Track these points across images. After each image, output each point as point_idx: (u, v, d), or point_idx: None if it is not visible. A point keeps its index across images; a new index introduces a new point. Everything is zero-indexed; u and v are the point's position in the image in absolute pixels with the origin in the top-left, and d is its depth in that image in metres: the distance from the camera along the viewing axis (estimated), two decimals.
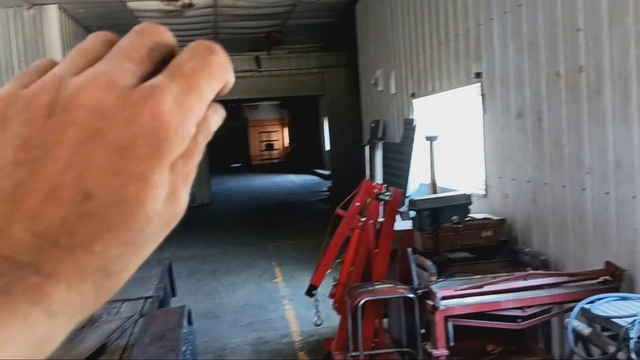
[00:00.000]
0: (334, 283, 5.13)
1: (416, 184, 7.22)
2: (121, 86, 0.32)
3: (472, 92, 5.98)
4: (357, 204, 5.13)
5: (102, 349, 3.71)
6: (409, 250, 4.31)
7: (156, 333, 3.48)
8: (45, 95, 0.32)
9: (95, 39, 0.37)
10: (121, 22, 11.70)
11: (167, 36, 0.36)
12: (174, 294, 5.59)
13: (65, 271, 0.31)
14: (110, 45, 0.36)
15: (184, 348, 3.32)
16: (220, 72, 0.36)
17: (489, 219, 5.05)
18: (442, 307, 3.58)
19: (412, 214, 4.78)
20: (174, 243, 11.79)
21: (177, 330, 3.50)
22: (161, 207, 0.33)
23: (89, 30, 11.81)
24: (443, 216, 4.60)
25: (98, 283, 0.32)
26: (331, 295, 5.14)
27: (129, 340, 3.85)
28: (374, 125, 9.45)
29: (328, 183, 19.30)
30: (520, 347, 4.67)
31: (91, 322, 4.24)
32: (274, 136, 34.89)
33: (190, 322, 4.25)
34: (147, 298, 4.87)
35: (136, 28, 0.36)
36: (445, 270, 4.53)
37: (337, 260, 5.20)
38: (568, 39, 4.35)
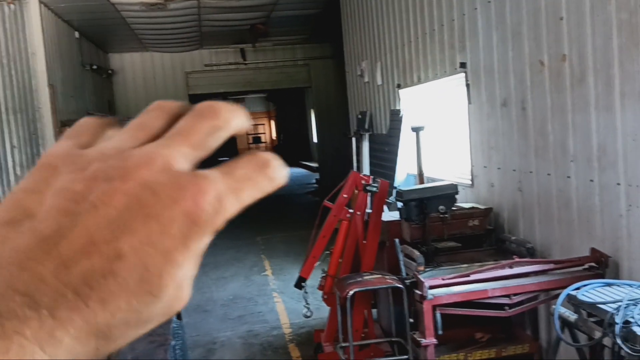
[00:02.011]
0: (323, 275, 5.15)
1: (403, 174, 7.24)
2: (175, 169, 0.35)
3: (457, 82, 5.99)
4: (345, 195, 5.13)
5: None
6: (397, 240, 4.33)
7: None
8: (104, 164, 0.36)
9: (156, 112, 0.40)
10: (104, 17, 11.58)
11: (227, 118, 0.39)
12: None
13: (78, 321, 0.33)
14: (171, 117, 0.39)
15: (173, 343, 3.31)
16: (265, 185, 0.39)
17: (476, 208, 5.08)
18: (430, 297, 3.60)
19: (400, 204, 4.80)
20: None
21: (166, 325, 3.49)
22: (173, 290, 0.35)
23: (70, 24, 11.67)
24: (430, 206, 4.62)
25: (99, 343, 0.34)
26: (320, 287, 5.15)
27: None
28: (360, 116, 9.46)
29: (316, 175, 19.31)
30: (508, 334, 4.71)
31: None
32: (260, 129, 34.80)
33: (179, 317, 4.23)
34: None
35: (199, 108, 0.39)
36: (433, 259, 4.56)
37: (326, 252, 5.21)
38: (551, 28, 4.37)
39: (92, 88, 13.44)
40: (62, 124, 10.44)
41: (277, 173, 0.39)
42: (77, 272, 0.33)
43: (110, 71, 15.68)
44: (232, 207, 0.37)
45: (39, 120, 9.98)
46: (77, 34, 12.14)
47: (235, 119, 0.40)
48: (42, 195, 0.35)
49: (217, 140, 0.39)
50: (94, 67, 13.35)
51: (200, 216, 0.35)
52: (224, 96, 29.34)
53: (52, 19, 10.63)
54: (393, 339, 4.80)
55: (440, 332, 3.66)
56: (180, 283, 0.35)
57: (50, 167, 0.37)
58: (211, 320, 6.51)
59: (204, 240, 0.36)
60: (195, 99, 17.93)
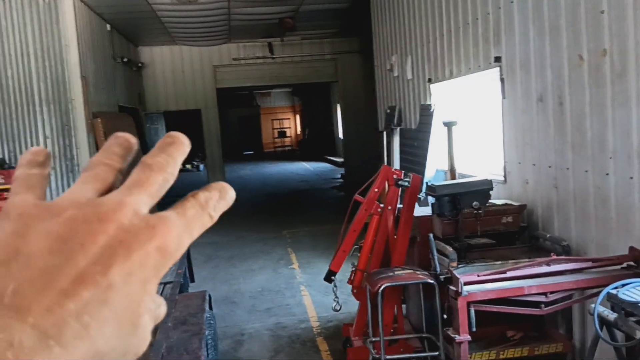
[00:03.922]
0: (353, 269, 5.13)
1: (433, 170, 7.17)
2: (141, 213, 0.43)
3: (491, 77, 5.91)
4: (376, 190, 5.10)
5: None
6: (431, 235, 4.28)
7: (178, 318, 3.49)
8: (79, 210, 0.42)
9: (106, 164, 0.47)
10: (135, 9, 11.68)
11: (173, 172, 0.47)
12: (192, 279, 5.61)
13: (82, 348, 0.37)
14: (120, 164, 0.47)
15: (206, 332, 3.33)
16: (208, 221, 0.46)
17: (509, 204, 5.01)
18: (465, 293, 3.56)
19: (432, 199, 4.75)
20: None
21: (200, 314, 3.51)
22: (145, 323, 0.41)
23: (102, 17, 11.80)
24: (463, 202, 4.57)
25: None
26: (350, 281, 5.13)
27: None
28: (389, 111, 9.39)
29: (341, 170, 19.27)
30: (541, 333, 4.64)
31: None
32: (286, 123, 34.84)
33: (210, 307, 4.26)
34: (165, 283, 4.89)
35: (147, 161, 0.46)
36: (465, 256, 4.51)
37: (356, 247, 5.19)
38: (591, 22, 4.27)
39: (123, 81, 13.59)
40: (94, 116, 10.59)
41: (216, 211, 0.47)
42: (78, 301, 0.37)
43: (140, 64, 15.83)
44: (187, 241, 0.44)
45: (72, 112, 10.12)
46: (108, 27, 12.28)
47: (175, 170, 0.47)
48: (26, 237, 0.40)
49: (166, 188, 0.46)
50: (125, 60, 13.49)
51: (168, 250, 0.42)
52: (250, 90, 29.46)
53: (85, 12, 10.76)
54: (423, 335, 4.77)
55: (474, 329, 3.62)
56: (147, 323, 0.41)
57: (25, 214, 0.42)
58: (239, 312, 6.54)
59: (167, 270, 0.42)
60: (223, 92, 18.02)
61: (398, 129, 8.33)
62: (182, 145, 0.48)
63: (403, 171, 5.27)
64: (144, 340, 0.41)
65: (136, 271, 0.40)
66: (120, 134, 0.49)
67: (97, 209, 0.42)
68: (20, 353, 0.35)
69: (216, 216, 0.47)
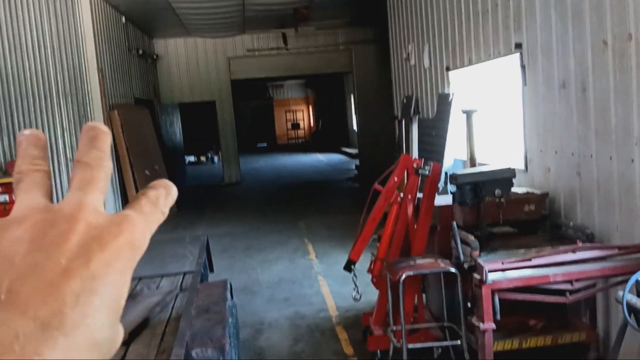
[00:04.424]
0: (373, 258, 5.10)
1: (451, 159, 7.11)
2: (101, 211, 0.46)
3: (511, 64, 5.83)
4: (396, 179, 5.06)
5: (145, 322, 3.74)
6: (455, 223, 4.24)
7: (201, 306, 3.49)
8: (42, 215, 0.44)
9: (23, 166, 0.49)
10: (149, 1, 11.68)
11: (109, 164, 0.49)
12: (211, 269, 5.62)
13: (81, 336, 0.39)
14: (43, 151, 0.50)
15: (229, 320, 3.33)
16: (160, 217, 0.49)
17: (532, 193, 4.95)
18: (489, 281, 3.52)
19: (453, 188, 4.70)
20: (205, 221, 11.89)
21: (222, 303, 3.51)
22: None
23: (118, 10, 11.82)
24: (485, 190, 4.52)
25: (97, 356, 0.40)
26: (369, 270, 5.11)
27: (171, 313, 3.87)
28: (405, 101, 9.33)
29: (355, 161, 19.22)
30: (563, 322, 4.59)
31: (132, 297, 4.28)
32: (299, 115, 34.80)
33: (231, 296, 4.27)
34: (186, 273, 4.91)
35: (84, 159, 0.48)
36: (487, 245, 4.46)
37: (375, 236, 5.16)
38: (616, 6, 4.19)
39: (138, 73, 13.62)
40: (111, 107, 10.63)
41: (165, 207, 0.50)
42: (70, 293, 0.39)
43: (155, 56, 15.87)
44: (149, 236, 0.47)
45: (89, 104, 10.17)
46: (123, 19, 12.30)
47: (109, 163, 0.49)
48: (3, 246, 0.41)
49: (108, 182, 0.49)
50: (140, 52, 13.52)
51: (136, 245, 0.45)
52: (263, 82, 29.43)
53: (101, 4, 10.78)
54: (444, 324, 4.74)
55: (498, 317, 3.58)
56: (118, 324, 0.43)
57: None
58: (258, 302, 6.55)
59: (136, 264, 0.45)
60: (237, 84, 18.02)
61: (417, 117, 8.27)
62: (106, 136, 0.49)
63: (423, 160, 5.22)
64: (122, 331, 0.44)
65: (113, 263, 0.42)
66: (26, 131, 0.50)
67: (60, 212, 0.44)
68: (26, 344, 0.37)
69: (166, 212, 0.50)
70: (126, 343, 3.43)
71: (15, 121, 9.97)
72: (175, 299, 4.15)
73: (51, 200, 0.48)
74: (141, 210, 0.48)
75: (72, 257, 0.41)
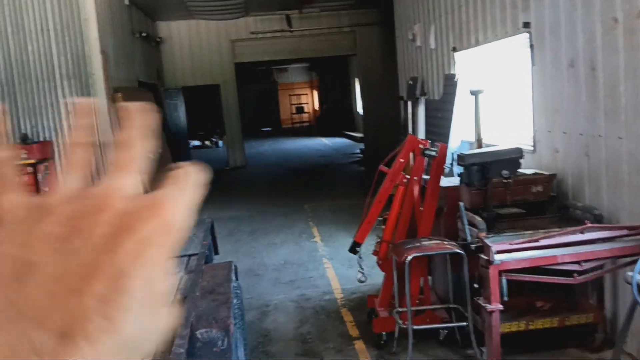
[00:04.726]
0: (378, 240, 5.07)
1: (457, 140, 7.05)
2: (133, 195, 0.43)
3: (519, 43, 5.75)
4: (402, 160, 5.01)
5: None
6: (462, 204, 4.20)
7: (206, 287, 3.47)
8: (72, 205, 0.42)
9: (80, 143, 0.47)
10: None
11: (146, 142, 0.46)
12: (216, 252, 5.60)
13: (108, 340, 0.37)
14: (89, 117, 0.47)
15: (234, 301, 3.31)
16: (195, 196, 0.46)
17: (539, 173, 4.90)
18: (496, 262, 3.49)
19: (460, 169, 4.66)
20: (210, 205, 11.88)
21: (227, 284, 3.49)
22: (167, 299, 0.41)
23: None
24: (493, 171, 4.48)
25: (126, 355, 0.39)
26: (375, 252, 5.08)
27: (176, 295, 3.86)
28: (411, 82, 9.24)
29: (360, 145, 19.15)
30: (571, 303, 4.57)
31: None
32: (303, 99, 34.66)
33: (236, 278, 4.25)
34: (191, 255, 4.89)
35: (119, 140, 0.45)
36: (494, 226, 4.42)
37: (380, 218, 5.13)
38: None
39: (142, 56, 13.54)
40: (114, 91, 10.58)
41: (195, 187, 0.47)
42: (95, 296, 0.37)
43: (158, 39, 15.77)
44: (183, 216, 0.43)
45: (92, 87, 10.12)
46: (126, 1, 12.21)
47: (146, 140, 0.46)
48: (29, 245, 0.40)
49: (147, 160, 0.46)
50: (143, 35, 13.43)
51: (169, 226, 0.41)
52: (267, 66, 29.28)
53: None
54: (450, 306, 4.72)
55: (505, 298, 3.55)
56: (168, 300, 0.41)
57: (18, 220, 0.41)
58: (263, 284, 6.55)
59: (174, 246, 0.41)
60: (241, 68, 17.91)
61: (423, 98, 8.20)
62: (139, 114, 0.47)
63: (429, 141, 5.17)
64: (172, 316, 0.42)
65: (144, 251, 0.40)
66: (77, 101, 0.48)
67: (89, 200, 0.42)
68: (45, 355, 0.36)
69: (197, 193, 0.47)
70: None
71: (18, 104, 9.95)
72: (181, 281, 4.13)
73: (91, 177, 0.46)
74: (175, 187, 0.46)
75: (98, 253, 0.39)
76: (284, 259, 7.52)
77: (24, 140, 9.74)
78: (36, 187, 9.24)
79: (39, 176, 9.33)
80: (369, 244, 5.15)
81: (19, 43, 9.80)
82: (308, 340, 5.00)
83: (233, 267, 3.94)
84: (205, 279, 3.67)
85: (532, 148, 5.55)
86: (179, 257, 4.84)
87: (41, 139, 9.89)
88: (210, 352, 2.68)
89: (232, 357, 2.71)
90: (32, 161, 9.26)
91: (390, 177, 5.04)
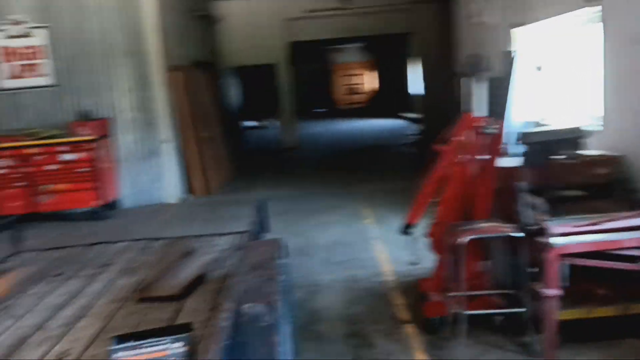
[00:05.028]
0: (432, 222, 4.92)
1: (516, 119, 6.74)
2: None
3: (585, 18, 5.41)
4: (457, 138, 4.82)
5: (200, 279, 3.73)
6: (521, 184, 3.99)
7: (253, 264, 3.43)
8: None
9: None
10: None
11: None
12: (267, 230, 5.56)
13: None
14: None
15: (281, 278, 3.25)
16: None
17: (606, 154, 4.61)
18: (556, 245, 3.29)
19: (520, 148, 4.43)
20: (263, 184, 11.94)
21: (274, 261, 3.43)
22: None
23: None
24: (554, 150, 4.24)
25: None
26: (428, 234, 4.93)
27: (225, 271, 3.85)
28: (469, 60, 8.95)
29: (416, 126, 18.82)
30: (634, 291, 4.30)
31: (189, 254, 4.28)
32: (358, 80, 34.34)
33: (286, 255, 4.19)
34: (241, 232, 4.87)
35: None
36: (555, 208, 4.19)
37: (434, 199, 4.96)
38: None
39: (198, 35, 13.64)
40: (171, 69, 10.69)
41: None
42: None
43: (215, 18, 15.85)
44: None
45: (149, 65, 10.26)
46: None
47: None
48: None
49: None
50: (200, 14, 13.51)
51: None
52: (321, 46, 29.09)
53: None
54: (507, 291, 4.53)
55: (566, 283, 3.36)
56: None
57: None
58: (313, 264, 6.50)
59: None
60: (297, 48, 17.83)
61: (481, 76, 7.91)
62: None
63: (486, 119, 4.95)
64: None
65: None
66: None
67: None
68: None
69: None
70: (181, 298, 3.43)
71: (79, 81, 10.20)
72: (230, 257, 4.12)
73: None
74: None
75: None
76: (334, 239, 7.45)
77: (87, 117, 10.00)
78: (95, 163, 9.48)
79: (98, 152, 9.56)
80: (422, 226, 5.00)
81: (79, 21, 10.02)
82: (356, 322, 4.92)
83: (281, 244, 3.88)
84: (253, 256, 3.63)
85: (599, 128, 5.25)
86: (229, 235, 4.84)
87: (100, 117, 10.13)
88: (254, 328, 2.63)
89: (277, 334, 2.65)
90: (92, 137, 9.49)
91: (445, 157, 4.87)
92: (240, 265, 3.35)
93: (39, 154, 9.40)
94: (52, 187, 9.44)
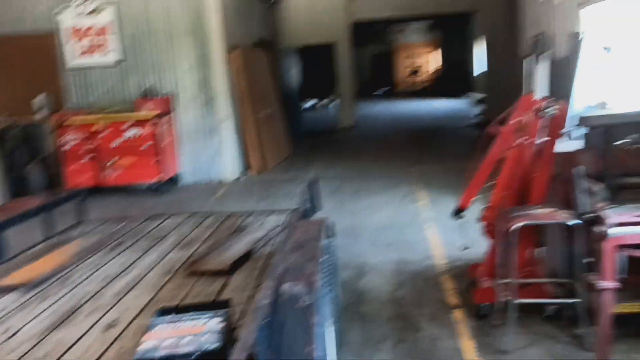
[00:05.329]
0: (485, 206, 4.77)
1: (580, 101, 6.44)
2: None
3: None
4: (515, 120, 4.64)
5: (247, 256, 3.76)
6: (579, 169, 3.80)
7: (296, 242, 3.42)
8: None
9: None
10: None
11: None
12: (317, 209, 5.55)
13: None
14: None
15: (323, 258, 3.23)
16: None
17: None
18: (614, 235, 3.12)
19: (581, 132, 4.22)
20: (317, 163, 11.95)
21: (317, 240, 3.42)
22: None
23: None
24: (618, 135, 4.00)
25: None
26: (481, 219, 4.79)
27: (273, 248, 3.86)
28: (534, 40, 8.59)
29: (478, 108, 18.34)
30: None
31: (239, 230, 4.33)
32: (420, 60, 33.71)
33: (331, 235, 4.17)
34: (291, 210, 4.88)
35: None
36: (616, 196, 3.97)
37: (489, 183, 4.81)
38: None
39: (259, 15, 13.69)
40: (231, 48, 10.79)
41: None
42: None
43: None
44: None
45: (210, 43, 10.38)
46: None
47: None
48: None
49: None
50: None
51: None
52: (384, 25, 28.67)
53: None
54: (561, 281, 4.35)
55: (623, 275, 3.19)
56: None
57: None
58: (362, 244, 6.46)
59: None
60: (357, 28, 17.63)
61: (545, 56, 7.59)
62: None
63: (548, 100, 4.73)
64: None
65: None
66: None
67: None
68: None
69: None
70: (228, 274, 3.47)
71: (143, 59, 10.44)
72: (278, 235, 4.14)
73: None
74: None
75: None
76: (385, 221, 7.38)
77: (152, 92, 10.26)
78: (158, 139, 9.73)
79: (161, 129, 9.81)
80: (476, 210, 4.86)
81: (143, 0, 10.21)
82: (403, 304, 4.85)
83: (327, 224, 3.86)
84: (298, 234, 3.63)
85: None
86: (279, 212, 4.86)
87: (163, 94, 10.37)
88: (292, 308, 2.62)
89: (316, 314, 2.63)
90: (156, 113, 9.74)
91: (502, 139, 4.69)
92: (284, 243, 3.35)
93: (106, 129, 9.73)
94: (117, 161, 9.77)
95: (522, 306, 4.17)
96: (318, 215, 5.33)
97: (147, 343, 2.32)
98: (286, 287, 2.69)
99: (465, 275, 5.18)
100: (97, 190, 9.70)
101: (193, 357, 2.21)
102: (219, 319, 2.50)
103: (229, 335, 2.43)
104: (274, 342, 2.57)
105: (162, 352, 2.23)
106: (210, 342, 2.29)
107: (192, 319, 2.51)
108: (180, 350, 2.24)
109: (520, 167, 4.57)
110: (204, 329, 2.40)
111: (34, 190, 10.12)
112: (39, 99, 10.85)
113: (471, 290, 4.76)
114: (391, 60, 33.19)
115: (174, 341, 2.31)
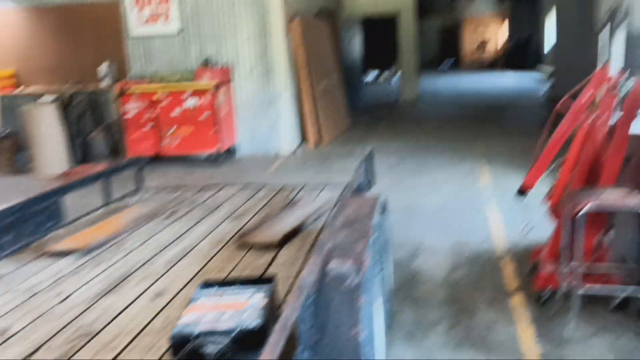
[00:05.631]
0: (552, 186, 4.49)
1: None
2: None
3: None
4: (587, 96, 4.32)
5: (298, 230, 3.69)
6: None
7: (348, 219, 3.30)
8: None
9: None
10: None
11: None
12: (372, 184, 5.41)
13: None
14: None
15: (374, 236, 3.10)
16: None
17: None
18: None
19: None
20: (377, 137, 11.74)
21: (368, 218, 3.28)
22: None
23: None
24: None
25: None
26: (546, 199, 4.52)
27: (324, 224, 3.77)
28: (611, 11, 8.02)
29: (548, 82, 17.56)
30: None
31: (291, 204, 4.26)
32: (488, 33, 32.54)
33: (385, 212, 4.03)
34: (344, 186, 4.77)
35: None
36: None
37: (556, 162, 4.52)
38: None
39: None
40: (291, 18, 10.65)
41: None
42: None
43: None
44: None
45: (270, 13, 10.27)
46: None
47: None
48: None
49: None
50: None
51: None
52: None
53: None
54: (630, 268, 4.06)
55: None
56: None
57: None
58: (418, 223, 6.26)
59: None
60: None
61: (622, 28, 7.07)
62: None
63: (623, 75, 4.37)
64: None
65: None
66: None
67: None
68: None
69: None
70: (278, 248, 3.42)
71: (203, 29, 10.46)
72: (330, 210, 4.04)
73: None
74: None
75: None
76: (444, 199, 7.14)
77: (208, 64, 10.29)
78: (216, 109, 9.77)
79: (220, 99, 9.84)
80: (542, 190, 4.60)
81: None
82: (458, 287, 4.67)
83: (380, 202, 3.71)
84: (350, 210, 3.50)
85: None
86: (332, 187, 4.75)
87: (222, 64, 10.38)
88: (339, 287, 2.51)
89: (363, 295, 2.51)
90: (215, 82, 9.77)
91: (572, 116, 4.39)
92: (334, 220, 3.24)
93: (166, 98, 9.84)
94: (176, 130, 9.89)
95: (587, 295, 3.92)
96: (374, 190, 5.18)
97: (188, 316, 2.27)
98: (333, 265, 2.58)
99: (527, 259, 4.93)
100: (157, 159, 9.87)
101: (233, 334, 2.14)
102: (262, 295, 2.42)
103: (272, 312, 2.36)
104: (318, 322, 2.48)
105: (201, 327, 2.17)
106: (252, 319, 2.21)
107: (235, 294, 2.44)
108: (220, 326, 2.17)
109: (591, 146, 4.26)
110: (246, 305, 2.33)
111: (98, 158, 10.41)
112: (104, 67, 11.09)
113: (532, 275, 4.53)
114: (458, 33, 32.22)
115: (214, 316, 2.25)
